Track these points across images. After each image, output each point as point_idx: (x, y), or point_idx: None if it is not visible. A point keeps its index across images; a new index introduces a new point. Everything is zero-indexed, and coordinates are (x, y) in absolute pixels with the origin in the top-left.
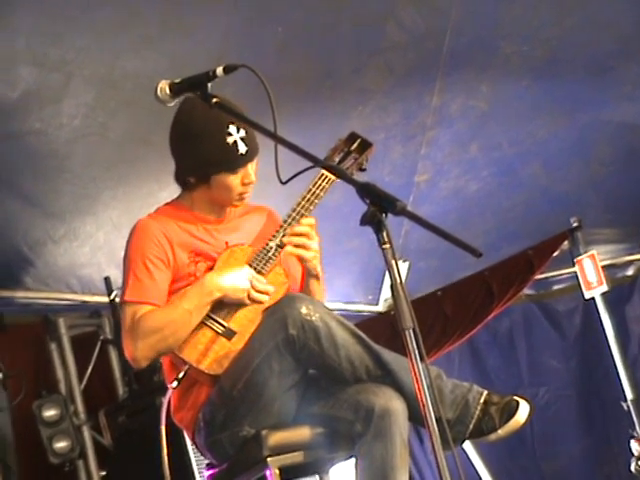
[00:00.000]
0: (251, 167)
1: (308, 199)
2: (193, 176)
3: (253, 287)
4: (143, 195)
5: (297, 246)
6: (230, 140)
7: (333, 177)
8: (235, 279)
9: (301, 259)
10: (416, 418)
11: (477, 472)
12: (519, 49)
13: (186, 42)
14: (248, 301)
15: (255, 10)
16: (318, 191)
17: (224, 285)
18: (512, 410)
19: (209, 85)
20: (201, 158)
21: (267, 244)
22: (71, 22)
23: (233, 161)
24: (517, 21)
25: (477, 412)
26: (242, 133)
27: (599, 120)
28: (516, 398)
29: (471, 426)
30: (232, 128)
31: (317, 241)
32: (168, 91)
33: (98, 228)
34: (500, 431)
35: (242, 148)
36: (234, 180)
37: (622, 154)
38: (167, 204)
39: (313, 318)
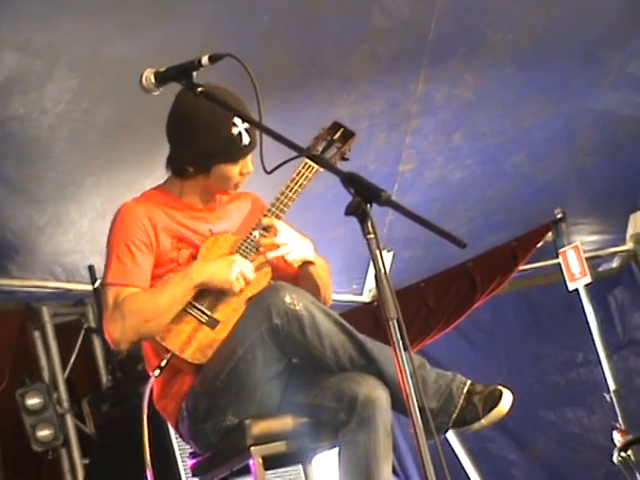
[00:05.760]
0: (250, 157)
1: (292, 189)
2: (193, 165)
3: (242, 275)
4: (127, 182)
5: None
6: (235, 131)
7: (317, 166)
8: (222, 268)
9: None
10: (399, 407)
11: (460, 461)
12: (504, 37)
13: (172, 28)
14: (236, 289)
15: None
16: (302, 180)
17: (210, 273)
18: (495, 399)
19: (194, 74)
20: (205, 148)
21: (251, 233)
22: (55, 7)
23: (237, 152)
24: (503, 9)
25: (460, 401)
26: (246, 124)
27: (584, 109)
28: (499, 387)
29: (454, 415)
30: (237, 119)
31: (284, 234)
32: (153, 80)
33: (82, 215)
34: (483, 420)
35: (246, 139)
36: (234, 170)
37: (607, 144)
38: (153, 189)
39: (297, 307)
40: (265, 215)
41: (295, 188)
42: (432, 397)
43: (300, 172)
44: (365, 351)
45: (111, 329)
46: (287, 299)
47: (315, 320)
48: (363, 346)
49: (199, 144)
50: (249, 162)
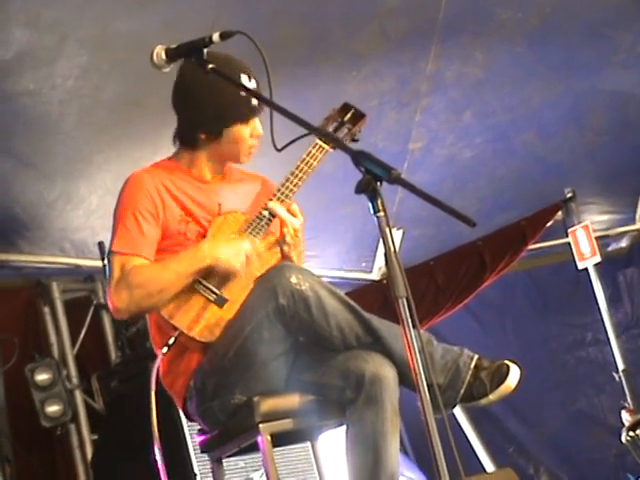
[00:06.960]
0: (258, 120)
1: (302, 169)
2: (205, 131)
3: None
4: (137, 158)
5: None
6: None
7: (327, 147)
8: (232, 251)
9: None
10: (407, 384)
11: (467, 438)
12: (514, 15)
13: (181, 4)
14: (242, 274)
15: None
16: (312, 161)
17: (219, 255)
18: (503, 375)
19: (205, 51)
20: (215, 111)
21: (260, 212)
22: None
23: (249, 111)
24: None
25: (468, 377)
26: (253, 83)
27: (593, 88)
28: (507, 363)
29: (462, 391)
30: (244, 78)
31: (300, 221)
32: (164, 56)
33: (91, 191)
34: (491, 396)
35: (254, 99)
36: (245, 131)
37: (616, 123)
38: (163, 160)
39: (303, 287)
40: (275, 194)
41: (305, 168)
42: (439, 373)
43: (310, 152)
44: (371, 329)
45: (115, 298)
46: (293, 279)
47: (321, 300)
48: (369, 324)
49: (211, 107)
50: (258, 124)
